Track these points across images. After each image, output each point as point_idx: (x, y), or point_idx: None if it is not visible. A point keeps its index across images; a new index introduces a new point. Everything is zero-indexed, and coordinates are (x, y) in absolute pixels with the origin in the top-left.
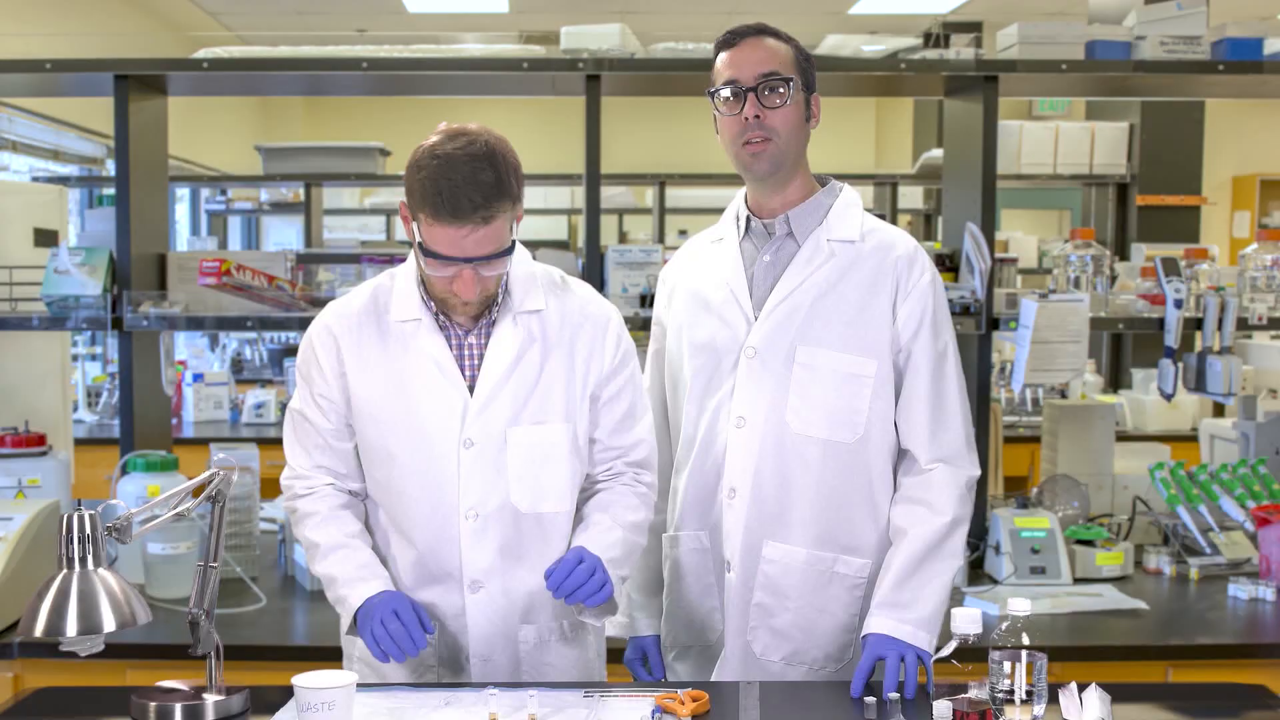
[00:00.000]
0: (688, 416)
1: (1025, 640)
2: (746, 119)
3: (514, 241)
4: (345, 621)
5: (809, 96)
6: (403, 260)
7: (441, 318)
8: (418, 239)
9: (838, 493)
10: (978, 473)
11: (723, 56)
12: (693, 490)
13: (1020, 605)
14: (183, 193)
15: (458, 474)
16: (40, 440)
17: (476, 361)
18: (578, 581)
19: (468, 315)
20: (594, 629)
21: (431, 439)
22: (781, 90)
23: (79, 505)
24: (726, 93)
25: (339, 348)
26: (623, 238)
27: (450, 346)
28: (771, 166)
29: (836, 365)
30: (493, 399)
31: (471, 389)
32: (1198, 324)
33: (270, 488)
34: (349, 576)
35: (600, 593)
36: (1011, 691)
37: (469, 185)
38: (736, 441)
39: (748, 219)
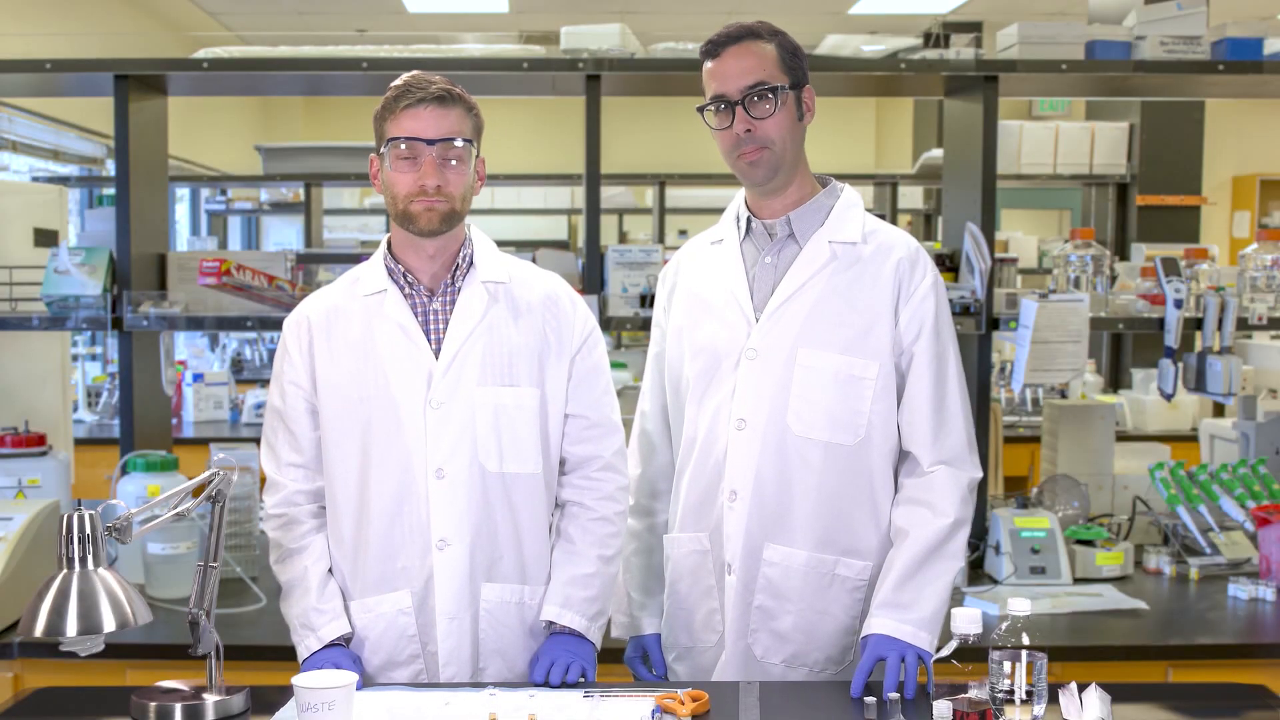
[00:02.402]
0: (688, 418)
1: (1025, 640)
2: (738, 134)
3: (474, 146)
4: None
5: (800, 94)
6: None
7: (407, 288)
8: (386, 152)
9: (839, 495)
10: (979, 475)
11: (707, 67)
12: (693, 492)
13: (1020, 605)
14: (183, 193)
15: (424, 434)
16: (40, 440)
17: (442, 327)
18: (559, 679)
19: (430, 224)
20: (535, 599)
21: (398, 402)
22: (770, 97)
23: (79, 505)
24: (715, 108)
25: (311, 331)
26: (623, 238)
27: (416, 314)
28: (769, 173)
29: (838, 367)
30: (458, 360)
31: (437, 354)
32: (1198, 324)
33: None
34: (300, 623)
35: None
36: (1011, 691)
37: (426, 79)
38: (737, 443)
39: (748, 220)
